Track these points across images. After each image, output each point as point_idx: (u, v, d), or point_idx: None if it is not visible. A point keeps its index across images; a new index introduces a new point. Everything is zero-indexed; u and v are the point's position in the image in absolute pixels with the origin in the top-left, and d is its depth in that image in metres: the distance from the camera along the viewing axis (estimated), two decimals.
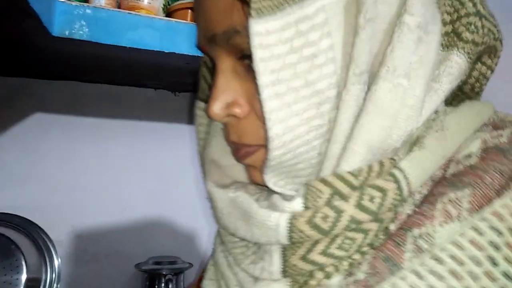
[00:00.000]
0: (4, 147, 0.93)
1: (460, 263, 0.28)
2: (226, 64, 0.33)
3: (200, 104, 0.42)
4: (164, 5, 0.72)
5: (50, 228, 0.92)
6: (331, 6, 0.29)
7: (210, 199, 0.38)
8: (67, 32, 0.62)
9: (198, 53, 0.67)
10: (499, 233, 0.28)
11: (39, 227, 0.91)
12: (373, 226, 0.31)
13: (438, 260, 0.28)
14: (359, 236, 0.30)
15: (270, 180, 0.32)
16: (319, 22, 0.29)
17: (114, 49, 0.65)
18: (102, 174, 0.98)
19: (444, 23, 0.33)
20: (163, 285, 0.90)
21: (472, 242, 0.28)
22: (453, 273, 0.28)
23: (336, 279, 0.31)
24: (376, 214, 0.30)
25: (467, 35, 0.32)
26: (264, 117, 0.30)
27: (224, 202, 0.36)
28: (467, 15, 0.33)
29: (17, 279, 0.83)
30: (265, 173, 0.32)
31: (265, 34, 0.28)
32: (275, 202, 0.32)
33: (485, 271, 0.28)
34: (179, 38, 0.65)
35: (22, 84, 0.94)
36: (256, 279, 0.34)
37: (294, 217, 0.31)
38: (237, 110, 0.33)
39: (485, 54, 0.36)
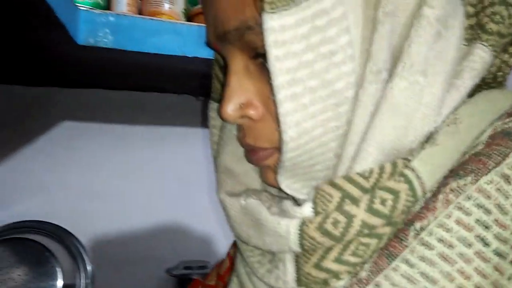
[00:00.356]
0: (33, 155, 0.96)
1: (449, 245, 0.26)
2: (238, 63, 0.32)
3: (214, 105, 0.41)
4: (184, 9, 0.72)
5: (80, 235, 0.94)
6: None
7: (223, 208, 0.37)
8: (91, 40, 0.63)
9: None
10: (487, 211, 0.26)
11: (71, 233, 0.93)
12: (387, 230, 0.29)
13: (427, 245, 0.27)
14: (373, 242, 0.29)
15: (284, 182, 0.31)
16: (337, 17, 0.27)
17: (137, 56, 0.66)
18: (129, 180, 0.99)
19: (468, 16, 0.31)
20: None
21: (459, 222, 0.27)
22: (444, 257, 0.26)
23: (342, 281, 0.30)
24: (389, 218, 0.29)
25: (491, 26, 0.30)
26: (278, 119, 0.29)
27: (236, 211, 0.35)
28: (492, 4, 0.31)
29: (53, 285, 0.85)
30: (279, 174, 0.31)
31: (279, 30, 0.27)
32: (286, 208, 0.31)
33: (476, 252, 0.26)
34: (201, 42, 0.65)
35: (48, 93, 0.96)
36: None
37: (304, 224, 0.29)
38: (251, 112, 0.32)
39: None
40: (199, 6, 0.71)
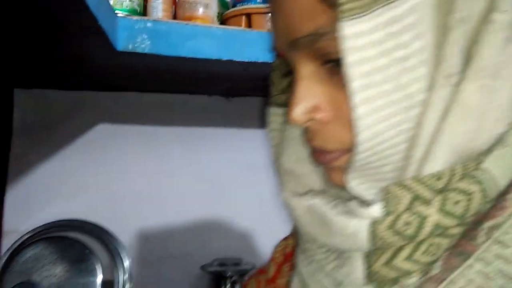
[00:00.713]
0: (71, 157, 0.99)
1: None
2: (307, 69, 0.32)
3: (272, 110, 0.41)
4: (218, 13, 0.74)
5: (118, 233, 0.97)
6: (422, 6, 0.28)
7: (288, 208, 0.38)
8: (130, 46, 0.65)
9: (255, 59, 0.68)
10: None
11: (109, 231, 0.96)
12: (459, 230, 0.30)
13: (502, 243, 0.28)
14: (445, 241, 0.30)
15: (351, 182, 0.32)
16: (410, 23, 0.28)
17: (173, 60, 0.68)
18: (163, 179, 1.02)
19: None
20: (228, 286, 0.92)
21: None
22: None
23: (414, 278, 0.30)
24: (462, 219, 0.29)
25: None
26: (350, 121, 0.30)
27: (301, 211, 0.36)
28: None
29: (93, 281, 0.88)
30: (348, 174, 0.32)
31: (354, 37, 0.28)
32: (353, 208, 0.32)
33: None
34: (236, 45, 0.67)
35: (85, 96, 1.00)
36: (340, 283, 0.34)
37: (374, 224, 0.30)
38: (319, 116, 0.32)
39: None
40: (233, 9, 0.72)
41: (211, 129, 1.05)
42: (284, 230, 1.04)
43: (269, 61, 0.69)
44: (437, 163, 0.29)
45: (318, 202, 0.34)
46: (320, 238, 0.34)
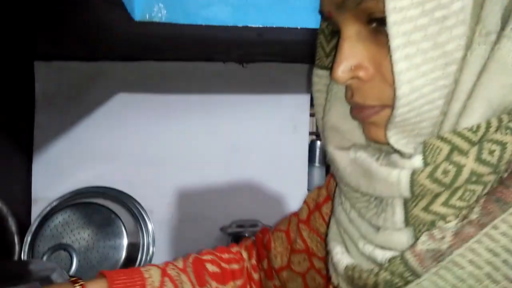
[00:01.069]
0: (92, 127, 1.03)
1: None
2: (351, 29, 0.35)
3: (318, 72, 0.44)
4: None
5: (139, 198, 1.01)
6: None
7: (332, 161, 0.41)
8: (147, 16, 0.66)
9: (270, 24, 0.69)
10: None
11: (132, 197, 1.00)
12: (492, 177, 0.32)
13: None
14: (478, 188, 0.32)
15: (392, 137, 0.34)
16: None
17: (189, 28, 0.69)
18: (182, 145, 1.05)
19: None
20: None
21: None
22: None
23: (452, 222, 0.33)
24: (495, 167, 0.32)
25: None
26: (389, 78, 0.32)
27: (345, 163, 0.38)
28: None
29: (120, 243, 0.93)
30: (388, 130, 0.34)
31: None
32: (394, 160, 0.34)
33: None
34: (251, 11, 0.68)
35: (103, 67, 1.02)
36: (379, 228, 0.37)
37: (415, 173, 0.33)
38: (362, 73, 0.35)
39: None
40: None
41: (227, 95, 1.06)
42: (297, 192, 1.08)
43: (283, 26, 0.70)
44: (474, 117, 0.32)
45: (361, 155, 0.37)
46: (363, 187, 0.37)
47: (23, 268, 0.72)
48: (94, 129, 1.03)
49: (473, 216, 0.32)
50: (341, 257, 0.40)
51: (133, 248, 0.96)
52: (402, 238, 0.35)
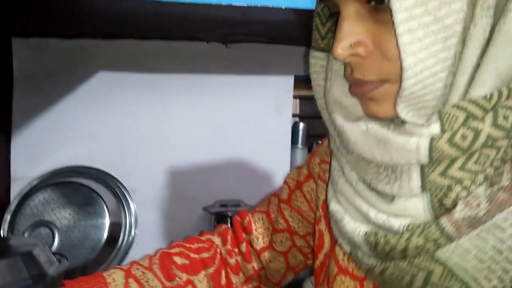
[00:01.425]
0: (73, 106, 1.01)
1: None
2: (350, 9, 0.36)
3: (314, 54, 0.45)
4: None
5: (121, 178, 1.01)
6: None
7: (342, 133, 0.42)
8: None
9: (254, 3, 0.69)
10: None
11: (114, 177, 1.00)
12: (504, 142, 0.34)
13: None
14: (492, 152, 0.34)
15: (402, 111, 0.36)
16: None
17: (173, 6, 0.68)
18: (165, 125, 1.04)
19: None
20: (229, 225, 0.97)
21: None
22: None
23: (481, 188, 0.35)
24: (509, 131, 0.34)
25: None
26: (388, 53, 0.35)
27: (356, 135, 0.40)
28: None
29: (102, 222, 0.93)
30: (397, 105, 0.36)
31: None
32: (410, 129, 0.36)
33: None
34: None
35: (84, 44, 1.00)
36: (393, 197, 0.38)
37: (434, 139, 0.35)
38: (361, 50, 0.37)
39: None
40: None
41: (210, 76, 1.06)
42: (280, 173, 1.08)
43: (268, 6, 0.70)
44: (485, 87, 0.34)
45: (373, 126, 0.39)
46: (378, 156, 0.38)
47: (3, 244, 0.72)
48: (75, 108, 1.01)
49: (505, 182, 0.34)
50: (355, 225, 0.41)
51: (116, 228, 0.96)
52: (418, 204, 0.37)
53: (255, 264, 0.59)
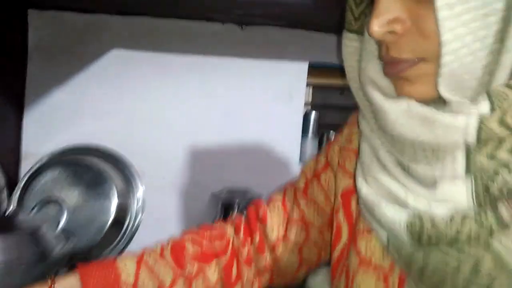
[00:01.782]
0: (86, 82, 1.00)
1: None
2: None
3: (348, 35, 0.45)
4: None
5: (130, 158, 1.00)
6: None
7: (380, 112, 0.40)
8: None
9: None
10: None
11: (124, 158, 0.99)
12: None
13: None
14: None
15: (445, 90, 0.34)
16: None
17: None
18: (177, 107, 1.03)
19: None
20: (236, 212, 0.97)
21: None
22: None
23: None
24: None
25: None
26: (426, 30, 0.34)
27: (396, 114, 0.38)
28: None
29: (109, 203, 0.92)
30: (439, 85, 0.34)
31: None
32: (456, 107, 0.35)
33: None
34: None
35: (99, 20, 0.98)
36: (433, 181, 0.37)
37: (483, 118, 0.34)
38: (398, 27, 0.36)
39: None
40: None
41: (224, 58, 1.04)
42: (289, 162, 1.07)
43: None
44: None
45: (416, 105, 0.37)
46: (421, 135, 0.37)
47: (11, 221, 0.72)
48: (87, 85, 1.00)
49: None
50: (393, 211, 0.39)
51: (123, 210, 0.96)
52: (461, 189, 0.35)
53: (267, 256, 0.57)
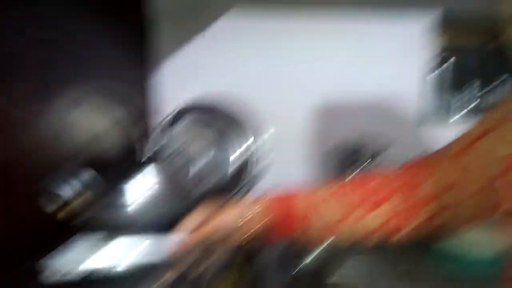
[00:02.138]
0: (212, 42, 1.04)
1: None
2: None
3: None
4: None
5: (259, 110, 1.01)
6: None
7: None
8: None
9: None
10: None
11: (251, 108, 1.00)
12: None
13: None
14: None
15: None
16: None
17: None
18: (302, 65, 1.04)
19: None
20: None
21: None
22: None
23: None
24: None
25: None
26: None
27: None
28: None
29: (233, 155, 0.94)
30: None
31: None
32: None
33: None
34: None
35: None
36: None
37: None
38: None
39: None
40: None
41: (349, 9, 1.02)
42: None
43: None
44: None
45: None
46: None
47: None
48: (209, 45, 1.04)
49: None
50: None
51: (245, 162, 0.97)
52: None
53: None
